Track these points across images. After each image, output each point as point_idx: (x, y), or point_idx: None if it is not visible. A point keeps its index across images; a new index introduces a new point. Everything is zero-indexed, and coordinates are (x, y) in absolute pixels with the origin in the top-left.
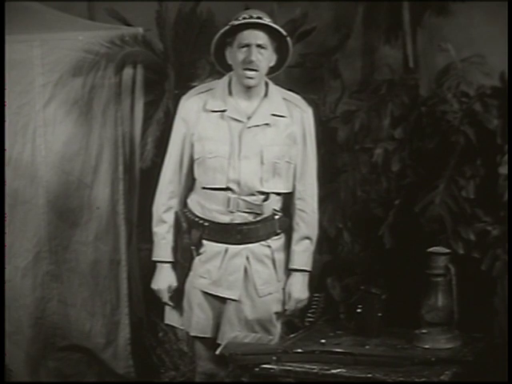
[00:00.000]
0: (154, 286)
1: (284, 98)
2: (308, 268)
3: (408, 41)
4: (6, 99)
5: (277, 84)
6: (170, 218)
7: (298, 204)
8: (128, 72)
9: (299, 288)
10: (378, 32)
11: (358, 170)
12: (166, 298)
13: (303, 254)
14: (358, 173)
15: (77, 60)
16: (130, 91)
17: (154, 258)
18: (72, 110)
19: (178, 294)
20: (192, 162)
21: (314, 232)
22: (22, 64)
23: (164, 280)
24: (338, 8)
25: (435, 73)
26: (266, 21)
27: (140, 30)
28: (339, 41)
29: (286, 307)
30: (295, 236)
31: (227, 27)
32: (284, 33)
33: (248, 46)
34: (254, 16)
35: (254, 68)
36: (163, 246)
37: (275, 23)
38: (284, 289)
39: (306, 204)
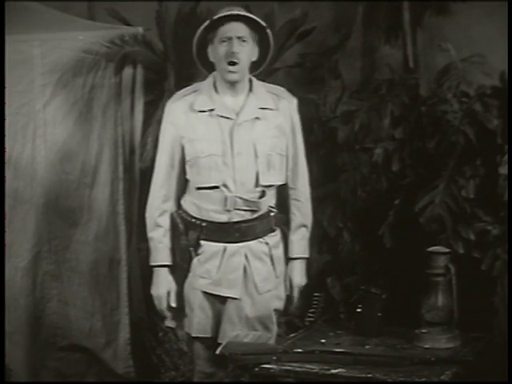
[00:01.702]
0: (153, 292)
1: (269, 92)
2: (306, 255)
3: (408, 41)
4: (6, 99)
5: (273, 82)
6: (165, 221)
7: (292, 194)
8: (128, 72)
9: (300, 275)
10: (378, 32)
11: (358, 170)
12: (164, 304)
13: (301, 242)
14: (358, 173)
15: (77, 60)
16: (129, 91)
17: (152, 263)
18: (72, 110)
19: (179, 298)
20: (183, 164)
21: (308, 219)
22: (21, 64)
23: (163, 285)
24: (337, 8)
25: (435, 73)
26: (246, 13)
27: (140, 29)
28: (339, 41)
29: (290, 294)
30: (292, 225)
31: (207, 22)
32: (263, 24)
33: (229, 38)
34: (234, 10)
35: (236, 60)
36: (161, 249)
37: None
38: (285, 281)
39: (300, 193)
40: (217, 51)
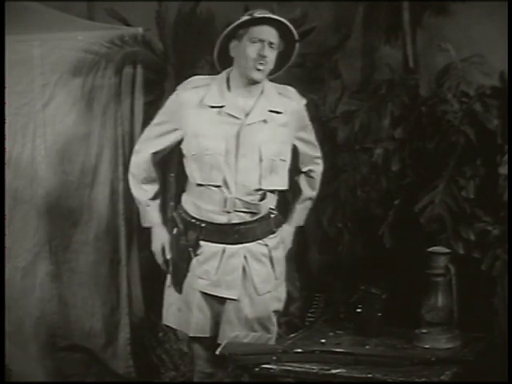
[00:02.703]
0: (152, 248)
1: (279, 93)
2: (302, 224)
3: (408, 41)
4: (6, 99)
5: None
6: (151, 189)
7: (308, 173)
8: (128, 72)
9: (291, 239)
10: (378, 32)
11: (358, 170)
12: (161, 259)
13: (303, 212)
14: (358, 173)
15: (77, 60)
16: (129, 91)
17: (143, 225)
18: (72, 110)
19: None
20: (177, 141)
21: (315, 192)
22: (21, 64)
23: (157, 241)
24: (338, 8)
25: (435, 73)
26: (286, 21)
27: (140, 29)
28: (339, 41)
29: None
30: (300, 197)
31: (246, 18)
32: (296, 37)
33: (261, 41)
34: (272, 14)
35: (265, 63)
36: (149, 211)
37: None
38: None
39: (315, 172)
40: (244, 49)
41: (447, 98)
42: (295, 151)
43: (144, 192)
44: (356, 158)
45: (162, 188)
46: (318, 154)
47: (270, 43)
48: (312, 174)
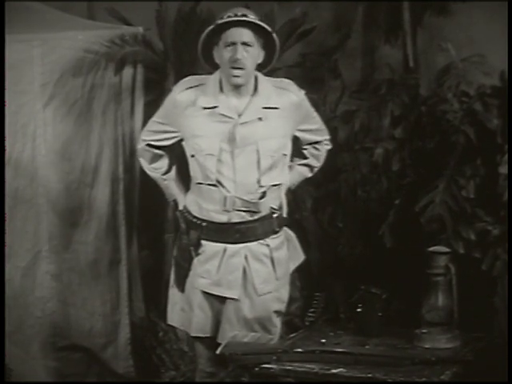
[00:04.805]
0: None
1: (275, 86)
2: (292, 186)
3: (408, 40)
4: (6, 99)
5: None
6: (161, 164)
7: (315, 145)
8: (128, 71)
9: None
10: (378, 32)
11: (359, 170)
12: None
13: (298, 175)
14: (358, 172)
15: (77, 59)
16: (130, 91)
17: (169, 200)
18: (72, 110)
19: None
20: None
21: (319, 164)
22: (21, 63)
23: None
24: (338, 8)
25: (435, 72)
26: (251, 18)
27: (140, 29)
28: (339, 40)
29: None
30: (303, 161)
31: (212, 26)
32: (269, 29)
33: (234, 44)
34: (239, 14)
35: (240, 66)
36: (168, 186)
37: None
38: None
39: (322, 147)
40: (222, 55)
41: (447, 97)
42: (297, 140)
43: (155, 170)
44: (356, 157)
45: (172, 159)
46: (327, 136)
47: (243, 43)
48: (317, 146)
